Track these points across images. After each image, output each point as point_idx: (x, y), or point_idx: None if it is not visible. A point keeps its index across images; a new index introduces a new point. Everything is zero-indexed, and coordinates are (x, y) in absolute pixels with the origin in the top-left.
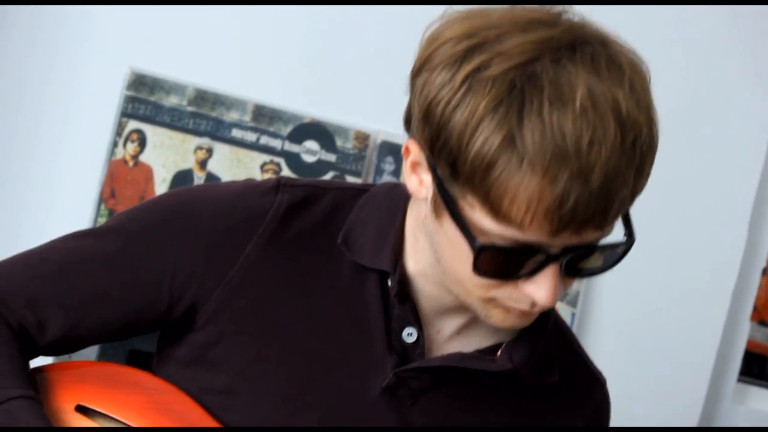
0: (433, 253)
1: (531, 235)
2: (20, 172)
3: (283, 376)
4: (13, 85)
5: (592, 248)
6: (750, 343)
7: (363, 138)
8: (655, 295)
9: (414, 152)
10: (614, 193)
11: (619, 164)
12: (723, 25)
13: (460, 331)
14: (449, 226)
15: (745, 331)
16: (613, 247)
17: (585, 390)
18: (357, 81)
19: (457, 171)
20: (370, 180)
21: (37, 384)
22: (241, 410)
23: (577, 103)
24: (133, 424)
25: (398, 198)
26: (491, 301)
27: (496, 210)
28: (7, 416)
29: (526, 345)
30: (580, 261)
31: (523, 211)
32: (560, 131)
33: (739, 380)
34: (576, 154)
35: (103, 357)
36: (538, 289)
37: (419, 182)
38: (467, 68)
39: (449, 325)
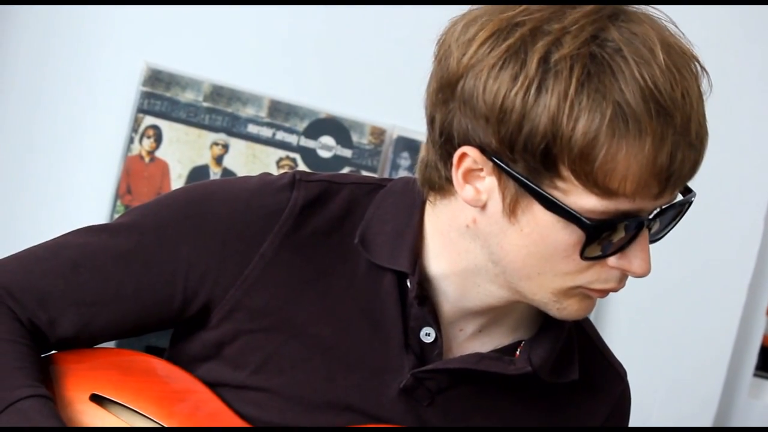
0: (490, 255)
1: (639, 202)
2: (37, 169)
3: (300, 375)
4: (29, 83)
5: (672, 207)
6: (766, 338)
7: (379, 133)
8: (671, 290)
9: (470, 159)
10: (705, 142)
11: (703, 112)
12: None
13: (481, 329)
14: (540, 219)
15: (761, 326)
16: (683, 203)
17: (604, 386)
18: (373, 76)
19: (550, 158)
20: (386, 176)
21: (51, 374)
22: (257, 405)
23: (660, 58)
24: (148, 414)
25: (415, 196)
26: (571, 290)
27: (604, 186)
28: (18, 417)
29: (546, 343)
30: (660, 222)
31: (636, 179)
32: (656, 88)
33: (755, 375)
34: (675, 107)
35: None
36: (635, 259)
37: (476, 191)
38: (536, 55)
39: (471, 324)
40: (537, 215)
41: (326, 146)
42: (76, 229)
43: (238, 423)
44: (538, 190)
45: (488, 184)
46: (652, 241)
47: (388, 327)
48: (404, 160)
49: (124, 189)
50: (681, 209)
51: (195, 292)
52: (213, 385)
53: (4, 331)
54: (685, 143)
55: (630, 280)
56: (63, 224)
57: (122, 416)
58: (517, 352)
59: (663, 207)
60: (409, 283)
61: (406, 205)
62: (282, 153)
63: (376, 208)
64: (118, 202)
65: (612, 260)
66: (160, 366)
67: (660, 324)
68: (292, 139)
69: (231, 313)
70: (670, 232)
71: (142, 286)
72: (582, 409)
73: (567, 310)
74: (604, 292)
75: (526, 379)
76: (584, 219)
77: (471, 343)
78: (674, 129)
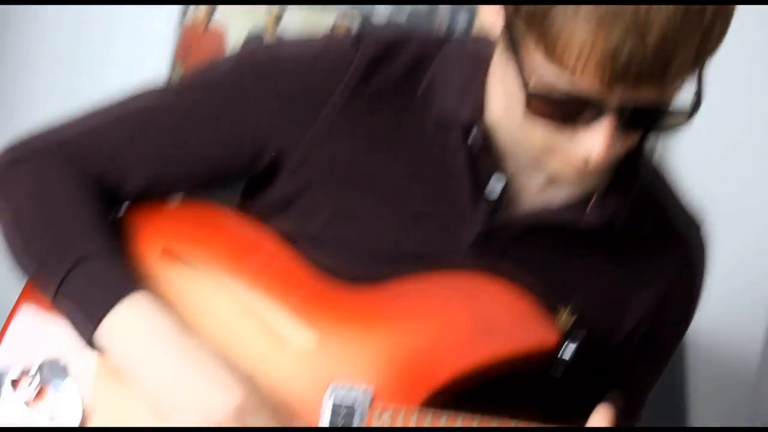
0: (506, 99)
1: (584, 83)
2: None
3: (371, 225)
4: None
5: (651, 109)
6: None
7: None
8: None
9: (494, 13)
10: (672, 52)
11: (681, 26)
12: None
13: (549, 182)
14: (512, 65)
15: None
16: (675, 112)
17: (676, 244)
18: None
19: (519, 9)
20: None
21: (121, 228)
22: (329, 256)
23: None
24: (220, 267)
25: (482, 49)
26: (550, 151)
27: (551, 51)
28: (85, 276)
29: (619, 196)
30: (640, 119)
31: (575, 56)
32: None
33: None
34: (633, 11)
35: None
36: (592, 142)
37: (494, 18)
38: None
39: (536, 177)
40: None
41: (381, 11)
42: (142, 89)
43: (311, 274)
44: (514, 36)
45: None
46: (643, 135)
47: (457, 180)
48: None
49: (181, 56)
50: (677, 117)
51: (265, 145)
52: (285, 238)
53: (73, 186)
54: (638, 44)
55: None
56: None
57: (195, 267)
58: (589, 206)
59: (629, 104)
60: (474, 135)
61: (472, 59)
62: (338, 16)
63: (442, 61)
64: (176, 70)
65: (576, 137)
66: (233, 217)
67: None
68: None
69: (301, 166)
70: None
71: (212, 138)
72: (652, 264)
73: (553, 169)
74: (577, 168)
75: (597, 232)
76: (527, 78)
77: (541, 195)
78: (626, 27)
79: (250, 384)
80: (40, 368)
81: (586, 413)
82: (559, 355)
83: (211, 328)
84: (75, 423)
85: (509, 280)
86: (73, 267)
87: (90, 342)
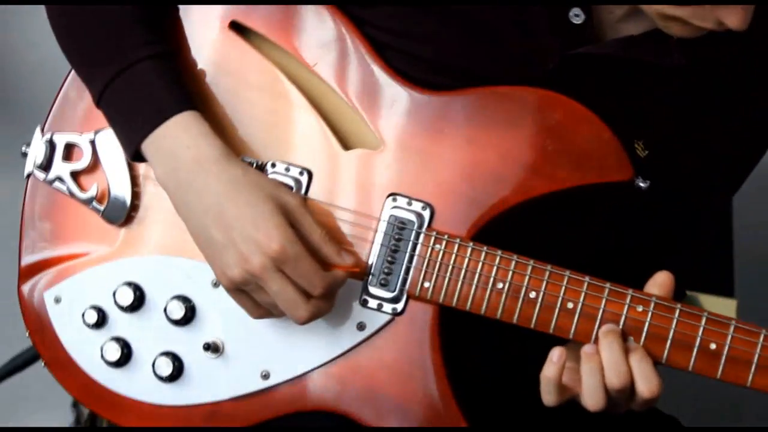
0: None
1: None
2: None
3: (445, 46)
4: None
5: None
6: None
7: None
8: None
9: None
10: None
11: None
12: None
13: (632, 11)
14: None
15: None
16: None
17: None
18: None
19: None
20: None
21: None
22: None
23: None
24: (289, 49)
25: None
26: (671, 19)
27: None
28: (130, 83)
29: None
30: None
31: None
32: None
33: None
34: None
35: None
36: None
37: None
38: None
39: (620, 6)
40: None
41: None
42: None
43: (384, 75)
44: None
45: None
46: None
47: (535, 10)
48: None
49: None
50: None
51: None
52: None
53: None
54: None
55: None
56: None
57: (263, 49)
58: (672, 42)
59: None
60: None
61: None
62: None
63: None
64: None
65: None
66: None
67: None
68: None
69: None
70: None
71: None
72: (736, 100)
73: (669, 30)
74: (698, 30)
75: (678, 69)
76: None
77: (623, 25)
78: None
79: (297, 214)
80: (96, 137)
81: (651, 270)
82: (633, 187)
83: (271, 117)
84: (126, 203)
85: (590, 105)
86: (119, 74)
87: (133, 157)
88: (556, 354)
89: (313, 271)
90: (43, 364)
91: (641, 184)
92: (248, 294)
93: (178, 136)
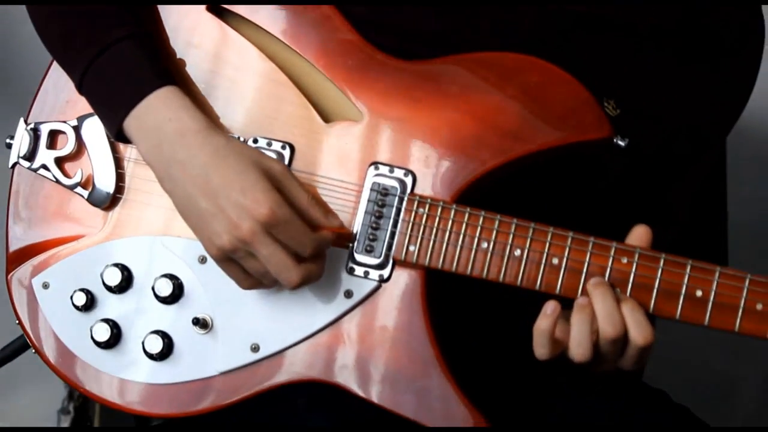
0: None
1: None
2: None
3: (418, 12)
4: None
5: None
6: None
7: None
8: None
9: None
10: None
11: None
12: None
13: None
14: None
15: None
16: None
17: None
18: None
19: None
20: None
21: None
22: (378, 36)
23: None
24: (270, 30)
25: None
26: None
27: None
28: (109, 64)
29: None
30: None
31: None
32: None
33: None
34: None
35: None
36: None
37: None
38: None
39: None
40: None
41: None
42: None
43: (361, 47)
44: None
45: None
46: None
47: None
48: None
49: None
50: None
51: None
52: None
53: None
54: None
55: None
56: None
57: (242, 30)
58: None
59: None
60: None
61: None
62: None
63: None
64: None
65: None
66: None
67: None
68: None
69: None
70: None
71: None
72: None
73: None
74: None
75: (655, 29)
76: None
77: None
78: None
79: (283, 178)
80: (79, 123)
81: (627, 227)
82: (612, 146)
83: (251, 94)
84: (110, 186)
85: (563, 67)
86: (98, 55)
87: (116, 136)
88: (550, 307)
89: (303, 232)
90: (33, 351)
91: (620, 143)
92: (238, 263)
93: (160, 110)
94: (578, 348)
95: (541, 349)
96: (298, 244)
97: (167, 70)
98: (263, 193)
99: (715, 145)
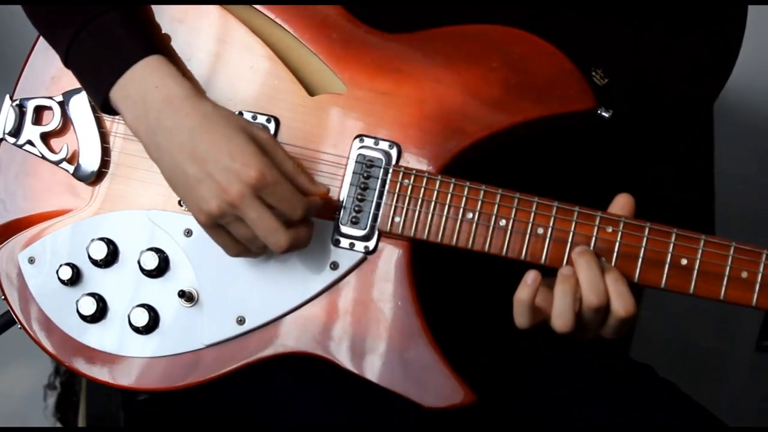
0: None
1: None
2: None
3: None
4: None
5: None
6: None
7: None
8: None
9: None
10: None
11: None
12: None
13: None
14: None
15: None
16: None
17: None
18: None
19: None
20: None
21: None
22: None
23: None
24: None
25: None
26: None
27: None
28: (94, 36)
29: None
30: None
31: None
32: None
33: None
34: None
35: None
36: None
37: None
38: None
39: None
40: None
41: None
42: None
43: (343, 19)
44: None
45: None
46: None
47: None
48: None
49: None
50: None
51: None
52: None
53: None
54: None
55: None
56: None
57: (227, 6)
58: None
59: None
60: None
61: None
62: None
63: None
64: None
65: None
66: None
67: None
68: None
69: None
70: None
71: None
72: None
73: None
74: None
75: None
76: None
77: None
78: None
79: (269, 145)
80: (65, 99)
81: (610, 196)
82: (596, 117)
83: (236, 69)
84: (96, 160)
85: (547, 39)
86: (83, 27)
87: (103, 107)
88: (530, 276)
89: (292, 194)
90: (18, 327)
91: (604, 114)
92: (226, 229)
93: (146, 78)
94: (560, 318)
95: (521, 318)
96: (288, 206)
97: (152, 41)
98: (252, 156)
99: (701, 113)
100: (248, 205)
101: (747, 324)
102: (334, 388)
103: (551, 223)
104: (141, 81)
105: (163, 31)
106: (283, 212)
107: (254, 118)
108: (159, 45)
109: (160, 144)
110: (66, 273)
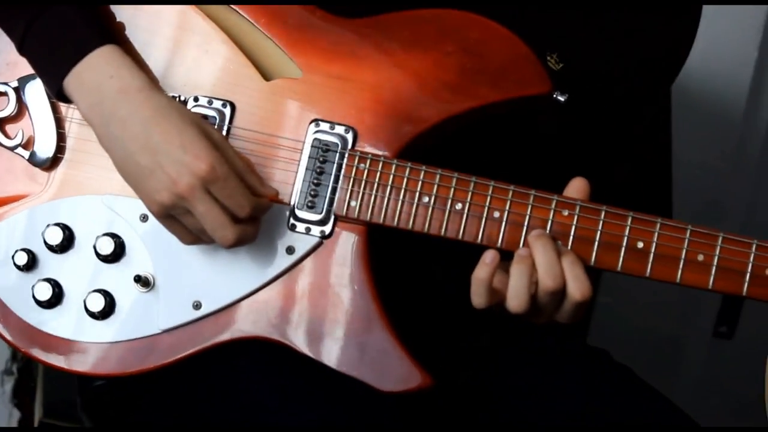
0: None
1: None
2: None
3: None
4: None
5: None
6: None
7: None
8: None
9: None
10: None
11: None
12: None
13: None
14: None
15: None
16: None
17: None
18: None
19: None
20: None
21: None
22: None
23: None
24: None
25: None
26: None
27: None
28: (50, 24)
29: None
30: None
31: None
32: None
33: None
34: None
35: None
36: None
37: None
38: None
39: None
40: None
41: None
42: None
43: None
44: None
45: None
46: None
47: None
48: None
49: None
50: None
51: None
52: None
53: None
54: None
55: None
56: None
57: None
58: None
59: None
60: None
61: None
62: None
63: None
64: None
65: None
66: None
67: None
68: None
69: None
70: None
71: None
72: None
73: None
74: None
75: None
76: None
77: None
78: None
79: (221, 143)
80: (20, 85)
81: (566, 180)
82: (552, 101)
83: (191, 54)
84: (51, 146)
85: (503, 23)
86: (39, 15)
87: (57, 95)
88: (489, 256)
89: (241, 191)
90: None
91: (560, 98)
92: (178, 219)
93: (101, 67)
94: (515, 299)
95: (478, 298)
96: (235, 203)
97: (108, 30)
98: (204, 150)
99: (656, 98)
100: (197, 198)
101: (704, 310)
102: (288, 374)
103: (507, 207)
104: (96, 70)
105: (119, 19)
106: (230, 208)
107: (210, 102)
108: (115, 34)
109: (113, 133)
110: (21, 258)
